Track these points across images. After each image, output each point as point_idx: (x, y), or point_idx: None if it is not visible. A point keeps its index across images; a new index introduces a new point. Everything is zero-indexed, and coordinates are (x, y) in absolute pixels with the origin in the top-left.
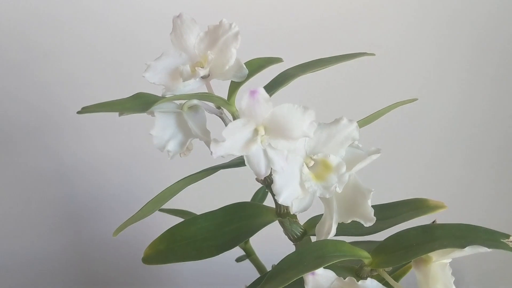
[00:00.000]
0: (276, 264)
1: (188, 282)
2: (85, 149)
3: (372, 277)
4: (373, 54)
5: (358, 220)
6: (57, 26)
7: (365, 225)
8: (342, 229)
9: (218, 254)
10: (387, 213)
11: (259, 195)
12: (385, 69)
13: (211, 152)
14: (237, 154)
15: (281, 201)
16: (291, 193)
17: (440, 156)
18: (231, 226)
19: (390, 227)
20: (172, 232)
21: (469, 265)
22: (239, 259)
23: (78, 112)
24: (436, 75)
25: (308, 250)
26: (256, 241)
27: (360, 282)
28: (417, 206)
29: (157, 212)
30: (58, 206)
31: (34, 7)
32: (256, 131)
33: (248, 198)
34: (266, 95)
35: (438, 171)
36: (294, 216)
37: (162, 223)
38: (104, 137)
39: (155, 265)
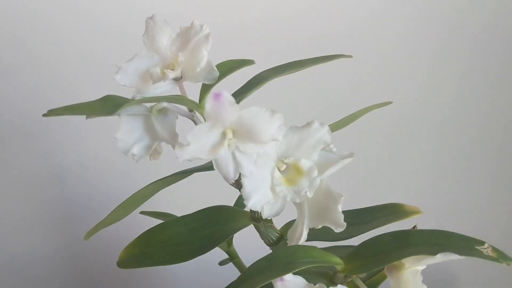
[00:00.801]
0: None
1: (187, 283)
2: (79, 151)
3: (346, 283)
4: (350, 56)
5: (328, 225)
6: (49, 29)
7: (335, 231)
8: (318, 233)
9: (192, 259)
10: (364, 218)
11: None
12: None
13: (177, 156)
14: (205, 158)
15: (250, 205)
16: (260, 197)
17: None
18: (205, 231)
19: (366, 231)
20: (146, 236)
21: (468, 273)
22: (222, 263)
23: (44, 115)
24: (413, 78)
25: (278, 255)
26: (240, 244)
27: None
28: (393, 211)
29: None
30: (53, 207)
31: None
32: (224, 134)
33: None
34: (230, 98)
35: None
36: (270, 220)
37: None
38: (98, 138)
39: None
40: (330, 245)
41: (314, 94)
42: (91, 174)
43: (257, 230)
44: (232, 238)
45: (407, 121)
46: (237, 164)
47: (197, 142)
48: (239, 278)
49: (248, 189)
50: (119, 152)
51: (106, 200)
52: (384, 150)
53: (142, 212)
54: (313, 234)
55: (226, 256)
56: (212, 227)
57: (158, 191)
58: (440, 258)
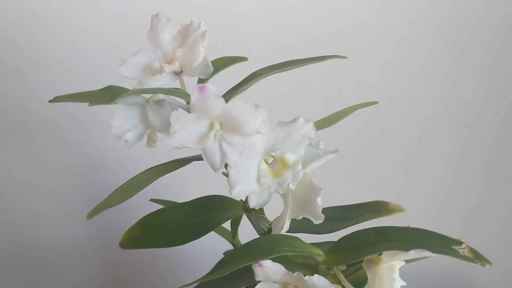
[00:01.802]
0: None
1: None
2: (109, 142)
3: (329, 276)
4: (344, 57)
5: (308, 217)
6: (66, 32)
7: (314, 222)
8: (306, 227)
9: (185, 243)
10: (350, 213)
11: None
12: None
13: (165, 144)
14: (193, 146)
15: (233, 194)
16: (245, 187)
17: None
18: (200, 218)
19: (351, 225)
20: (146, 220)
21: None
22: (226, 253)
23: (50, 101)
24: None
25: (259, 242)
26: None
27: (307, 277)
28: (377, 208)
29: None
30: (85, 195)
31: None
32: (211, 126)
33: None
34: (215, 91)
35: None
36: (261, 211)
37: None
38: None
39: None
40: (320, 241)
41: (310, 92)
42: (118, 165)
43: (250, 220)
44: (237, 230)
45: (407, 121)
46: (223, 154)
47: (184, 131)
48: (219, 262)
49: (233, 179)
50: (144, 145)
51: None
52: (382, 149)
53: (152, 200)
54: (301, 227)
55: (231, 247)
56: (207, 214)
57: (157, 178)
58: (413, 254)
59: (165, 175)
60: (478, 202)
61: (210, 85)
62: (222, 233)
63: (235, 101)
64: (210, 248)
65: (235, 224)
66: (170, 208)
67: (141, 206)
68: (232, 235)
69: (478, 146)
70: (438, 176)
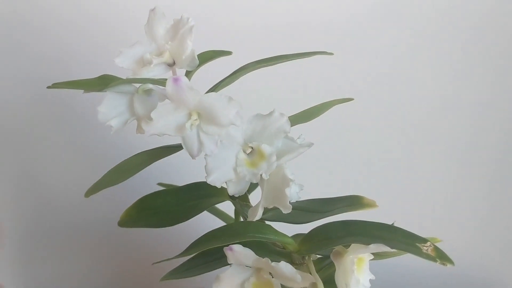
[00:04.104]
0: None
1: None
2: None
3: (303, 265)
4: (331, 54)
5: (278, 206)
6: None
7: (283, 212)
8: (283, 216)
9: (174, 225)
10: (326, 206)
11: None
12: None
13: (144, 130)
14: (172, 134)
15: (209, 181)
16: (220, 175)
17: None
18: (190, 203)
19: (326, 217)
20: (142, 201)
21: None
22: None
23: (48, 87)
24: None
25: (231, 227)
26: None
27: (274, 263)
28: (352, 202)
29: None
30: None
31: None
32: (189, 115)
33: None
34: (188, 82)
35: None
36: (246, 199)
37: None
38: None
39: None
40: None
41: (297, 87)
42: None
43: (235, 207)
44: (239, 217)
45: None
46: (200, 143)
47: (161, 119)
48: (191, 244)
49: (210, 166)
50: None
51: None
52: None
53: (159, 183)
54: (280, 217)
55: None
56: (196, 200)
57: (150, 163)
58: (373, 248)
59: (176, 160)
60: (461, 198)
61: (183, 77)
62: (227, 221)
63: (210, 93)
64: None
65: (238, 213)
66: (164, 191)
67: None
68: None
69: (467, 140)
70: (421, 172)
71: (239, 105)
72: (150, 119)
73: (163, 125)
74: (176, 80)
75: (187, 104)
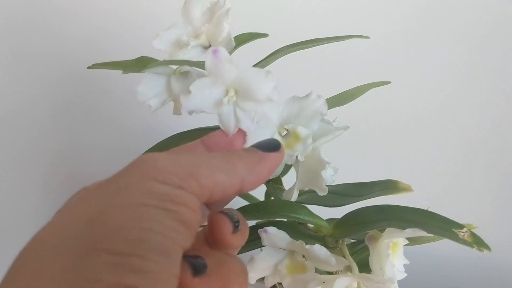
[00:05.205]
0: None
1: None
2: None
3: (337, 249)
4: (367, 37)
5: (314, 189)
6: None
7: (319, 194)
8: (318, 199)
9: None
10: (361, 190)
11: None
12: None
13: (182, 106)
14: (209, 111)
15: None
16: None
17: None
18: None
19: (360, 201)
20: None
21: None
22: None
23: (89, 67)
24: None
25: (266, 205)
26: None
27: (308, 246)
28: (388, 186)
29: None
30: None
31: None
32: (227, 92)
33: None
34: (227, 54)
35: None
36: (279, 182)
37: None
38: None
39: None
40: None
41: (331, 71)
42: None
43: (267, 188)
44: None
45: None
46: (237, 120)
47: (199, 93)
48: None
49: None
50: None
51: None
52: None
53: None
54: (315, 199)
55: None
56: None
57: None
58: (409, 233)
59: None
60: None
61: (222, 48)
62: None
63: (247, 68)
64: None
65: (269, 195)
66: None
67: None
68: None
69: (497, 129)
70: (452, 157)
71: (276, 79)
72: (189, 92)
73: (200, 100)
74: (215, 51)
75: (225, 78)
